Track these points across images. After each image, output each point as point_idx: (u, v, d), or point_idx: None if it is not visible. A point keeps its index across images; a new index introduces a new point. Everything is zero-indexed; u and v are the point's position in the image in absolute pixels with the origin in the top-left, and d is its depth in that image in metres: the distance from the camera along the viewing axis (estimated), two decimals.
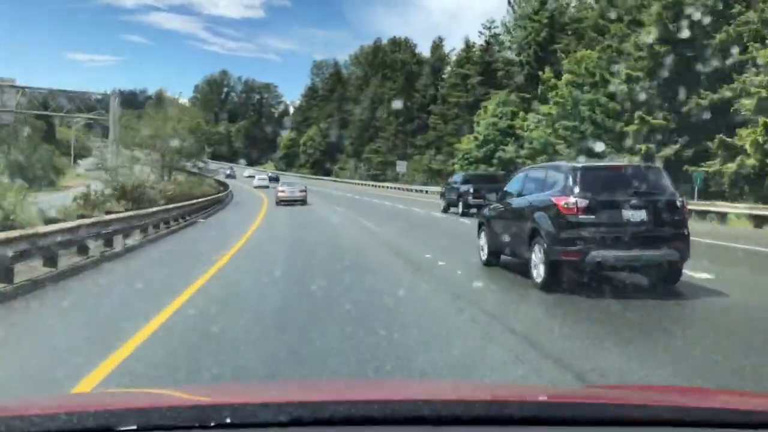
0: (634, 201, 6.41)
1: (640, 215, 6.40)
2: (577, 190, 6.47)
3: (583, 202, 6.38)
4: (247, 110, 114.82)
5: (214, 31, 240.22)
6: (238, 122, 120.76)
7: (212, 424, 1.15)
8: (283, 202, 26.99)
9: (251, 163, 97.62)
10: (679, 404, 1.49)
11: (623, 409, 1.36)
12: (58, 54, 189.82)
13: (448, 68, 56.67)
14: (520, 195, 7.73)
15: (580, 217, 6.38)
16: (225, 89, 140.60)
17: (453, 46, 72.33)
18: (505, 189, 8.47)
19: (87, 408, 1.22)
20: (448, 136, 45.90)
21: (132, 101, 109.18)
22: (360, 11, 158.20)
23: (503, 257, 8.10)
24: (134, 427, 1.12)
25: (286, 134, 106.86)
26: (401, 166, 50.15)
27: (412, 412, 1.21)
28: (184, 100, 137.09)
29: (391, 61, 68.50)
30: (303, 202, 27.47)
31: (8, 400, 1.75)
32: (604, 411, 1.33)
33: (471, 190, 19.99)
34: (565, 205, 6.46)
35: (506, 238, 7.76)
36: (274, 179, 51.37)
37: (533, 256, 6.72)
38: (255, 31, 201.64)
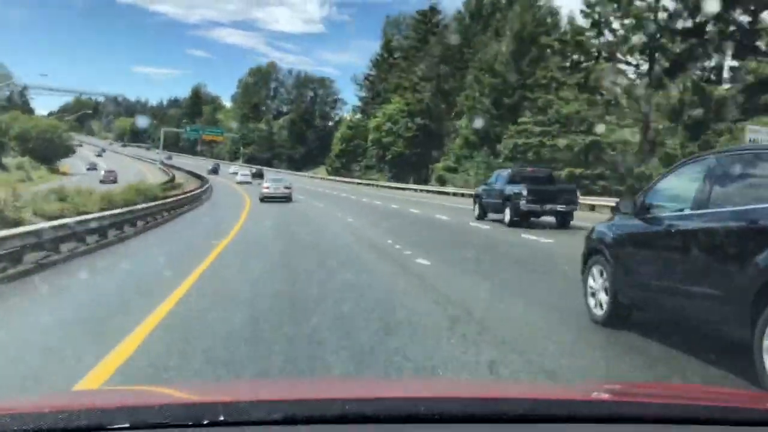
0: None
1: None
2: None
3: None
4: (299, 109, 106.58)
5: (275, 45, 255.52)
6: (282, 119, 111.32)
7: (205, 421, 1.19)
8: (267, 199, 28.99)
9: (298, 168, 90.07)
10: (676, 401, 1.54)
11: (620, 406, 1.42)
12: (125, 67, 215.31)
13: None
14: (701, 206, 4.36)
15: None
16: (273, 84, 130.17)
17: None
18: (652, 192, 5.14)
19: (79, 406, 1.27)
20: None
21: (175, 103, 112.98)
22: None
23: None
24: (127, 425, 1.17)
25: (345, 118, 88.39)
26: None
27: (406, 410, 1.24)
28: (226, 101, 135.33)
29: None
30: (288, 199, 29.34)
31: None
32: (601, 408, 1.39)
33: (524, 193, 16.67)
34: None
35: (671, 286, 4.49)
36: (258, 175, 52.81)
37: None
38: (314, 45, 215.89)
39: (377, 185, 50.10)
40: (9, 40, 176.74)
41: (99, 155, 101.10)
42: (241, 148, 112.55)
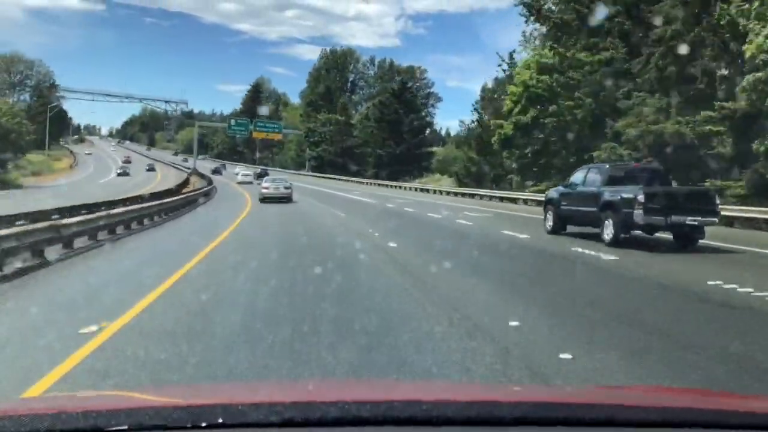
0: None
1: None
2: None
3: None
4: (387, 96, 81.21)
5: None
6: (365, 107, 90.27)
7: (204, 424, 1.26)
8: (267, 199, 30.85)
9: (392, 176, 68.29)
10: (675, 405, 1.61)
11: (618, 410, 1.46)
12: (209, 84, 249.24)
13: None
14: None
15: None
16: (351, 76, 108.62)
17: None
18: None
19: (77, 409, 1.33)
20: None
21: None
22: (497, 36, 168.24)
23: None
24: (125, 428, 1.25)
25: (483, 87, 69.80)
26: None
27: (404, 413, 1.30)
28: (295, 100, 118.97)
29: None
30: (288, 199, 31.25)
31: None
32: (599, 412, 1.43)
33: (640, 198, 12.29)
34: None
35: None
36: (263, 177, 48.63)
37: None
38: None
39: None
40: (100, 60, 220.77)
41: (127, 162, 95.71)
42: (308, 149, 79.41)
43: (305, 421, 1.26)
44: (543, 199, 18.33)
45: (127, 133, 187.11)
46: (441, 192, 47.63)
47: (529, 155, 40.00)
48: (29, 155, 73.82)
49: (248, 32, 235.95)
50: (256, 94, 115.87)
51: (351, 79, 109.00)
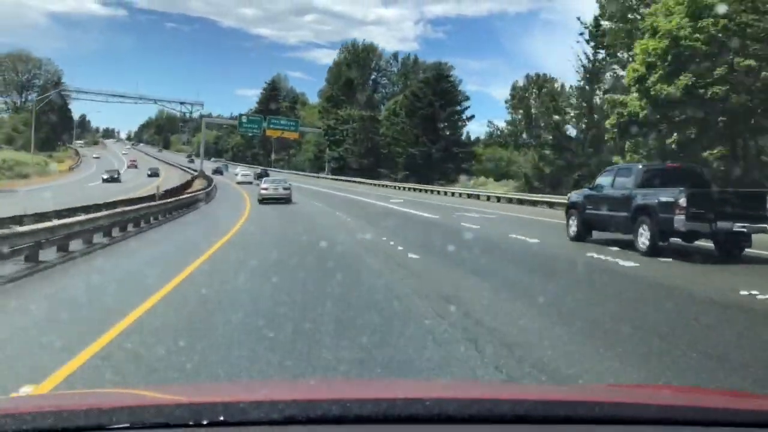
0: None
1: None
2: None
3: None
4: (416, 96, 70.21)
5: None
6: (393, 100, 79.58)
7: (205, 421, 1.26)
8: (266, 200, 30.37)
9: (425, 179, 59.49)
10: (675, 403, 1.62)
11: (619, 408, 1.47)
12: (228, 89, 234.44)
13: None
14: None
15: None
16: (373, 75, 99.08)
17: None
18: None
19: (79, 406, 1.34)
20: None
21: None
22: (517, 41, 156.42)
23: None
24: (126, 425, 1.25)
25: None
26: None
27: (406, 411, 1.31)
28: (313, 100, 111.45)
29: None
30: (287, 200, 30.68)
31: None
32: (600, 410, 1.41)
33: (682, 202, 11.26)
34: None
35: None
36: (263, 177, 47.36)
37: None
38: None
39: None
40: (119, 64, 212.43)
41: (132, 165, 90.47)
42: (327, 149, 70.86)
43: (307, 419, 1.27)
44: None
45: (142, 136, 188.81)
46: (495, 198, 38.05)
47: (674, 145, 25.90)
48: (23, 156, 70.35)
49: (267, 37, 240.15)
50: (273, 92, 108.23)
51: (373, 77, 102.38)
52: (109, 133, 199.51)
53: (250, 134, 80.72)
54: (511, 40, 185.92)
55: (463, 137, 70.23)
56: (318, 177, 77.10)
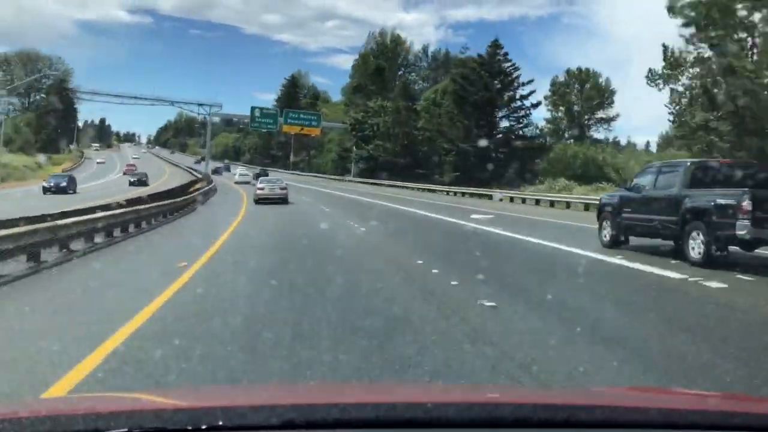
0: None
1: None
2: None
3: None
4: (465, 79, 58.85)
5: None
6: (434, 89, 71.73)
7: (203, 426, 1.28)
8: (262, 201, 30.79)
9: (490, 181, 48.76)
10: (676, 407, 1.61)
11: (619, 411, 1.49)
12: (250, 94, 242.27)
13: None
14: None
15: None
16: (401, 71, 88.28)
17: None
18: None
19: (76, 411, 1.36)
20: None
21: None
22: (538, 44, 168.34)
23: None
24: (125, 430, 1.27)
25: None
26: None
27: (405, 415, 1.33)
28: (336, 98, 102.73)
29: None
30: (284, 200, 31.06)
31: None
32: (600, 413, 1.45)
33: (747, 205, 10.13)
34: None
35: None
36: (260, 176, 47.73)
37: None
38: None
39: None
40: (142, 70, 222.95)
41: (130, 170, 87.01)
42: (354, 148, 60.10)
43: (306, 423, 1.29)
44: None
45: (161, 139, 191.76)
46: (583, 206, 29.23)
47: None
48: (17, 157, 67.83)
49: (289, 42, 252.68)
50: (293, 89, 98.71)
51: (400, 73, 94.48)
52: (129, 137, 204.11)
53: (264, 130, 70.88)
54: (533, 44, 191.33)
55: (528, 130, 57.91)
56: (343, 180, 67.21)
